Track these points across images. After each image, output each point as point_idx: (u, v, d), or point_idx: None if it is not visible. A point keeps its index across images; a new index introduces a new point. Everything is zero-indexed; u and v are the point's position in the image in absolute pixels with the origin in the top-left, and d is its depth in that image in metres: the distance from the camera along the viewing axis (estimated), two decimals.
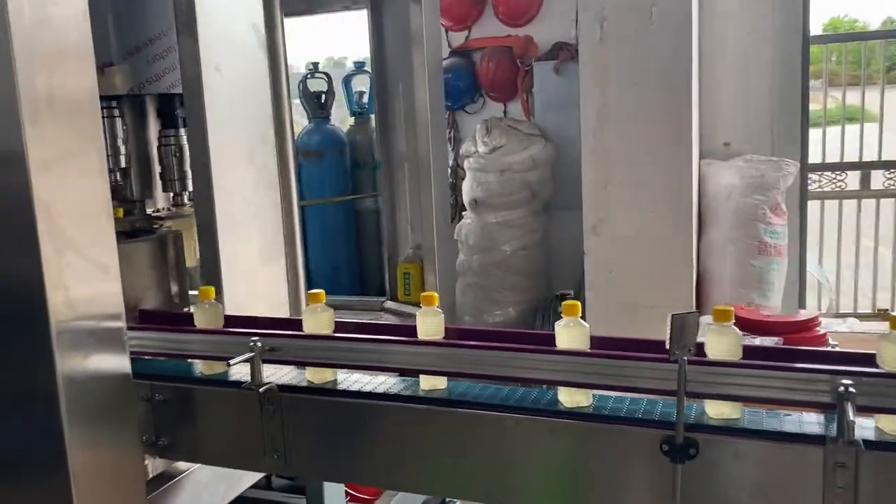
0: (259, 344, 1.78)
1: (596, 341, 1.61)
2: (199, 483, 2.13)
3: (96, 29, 2.26)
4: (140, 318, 2.16)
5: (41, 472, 1.75)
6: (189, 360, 2.02)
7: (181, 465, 2.13)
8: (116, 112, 2.37)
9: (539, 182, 4.43)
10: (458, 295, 4.58)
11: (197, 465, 2.13)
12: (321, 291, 1.87)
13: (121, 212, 2.51)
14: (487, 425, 1.66)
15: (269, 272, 2.43)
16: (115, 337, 1.80)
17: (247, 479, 2.26)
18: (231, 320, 1.97)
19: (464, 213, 4.63)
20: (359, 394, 1.79)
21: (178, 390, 1.94)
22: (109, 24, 2.30)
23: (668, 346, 1.42)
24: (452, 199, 4.92)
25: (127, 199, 2.50)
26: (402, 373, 1.87)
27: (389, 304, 3.82)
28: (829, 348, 1.57)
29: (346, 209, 4.62)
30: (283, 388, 1.83)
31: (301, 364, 1.87)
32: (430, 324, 1.76)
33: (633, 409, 1.56)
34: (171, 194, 2.37)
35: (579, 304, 1.58)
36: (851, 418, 1.24)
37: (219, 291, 2.20)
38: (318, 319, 1.85)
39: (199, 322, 1.95)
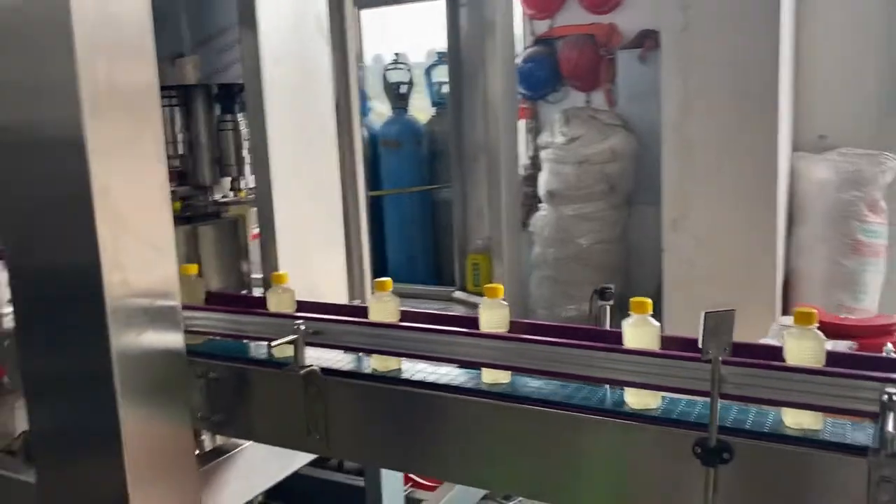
0: (302, 327, 1.82)
1: (668, 341, 1.52)
2: (252, 459, 2.20)
3: (170, 20, 2.38)
4: (206, 299, 2.25)
5: (95, 446, 1.85)
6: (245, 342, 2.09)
7: (237, 441, 2.21)
8: (184, 101, 2.48)
9: (619, 175, 4.32)
10: (532, 287, 4.54)
11: (250, 442, 2.20)
12: (388, 280, 1.85)
13: (176, 206, 2.63)
14: (547, 423, 1.58)
15: (327, 259, 2.48)
16: (169, 315, 1.89)
17: (300, 458, 2.32)
18: (303, 305, 1.99)
19: (540, 204, 4.57)
20: (405, 381, 1.76)
21: (231, 369, 2.01)
22: (182, 15, 2.40)
23: (700, 345, 1.36)
24: (531, 191, 4.88)
25: (198, 185, 2.60)
26: (463, 364, 1.79)
27: (458, 294, 3.83)
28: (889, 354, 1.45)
29: (423, 199, 4.65)
30: (328, 371, 1.86)
31: (347, 349, 1.88)
32: (493, 316, 1.70)
33: (704, 414, 1.47)
34: (230, 179, 2.45)
35: (650, 301, 1.50)
36: (891, 429, 1.15)
37: (275, 264, 2.27)
38: (384, 307, 1.83)
39: (273, 306, 1.99)
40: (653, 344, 1.50)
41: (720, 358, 1.36)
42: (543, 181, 4.46)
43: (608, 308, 1.74)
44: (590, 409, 1.54)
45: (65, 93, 1.66)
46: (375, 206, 4.81)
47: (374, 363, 1.85)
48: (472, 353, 1.68)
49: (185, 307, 2.04)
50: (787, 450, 1.35)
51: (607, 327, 1.72)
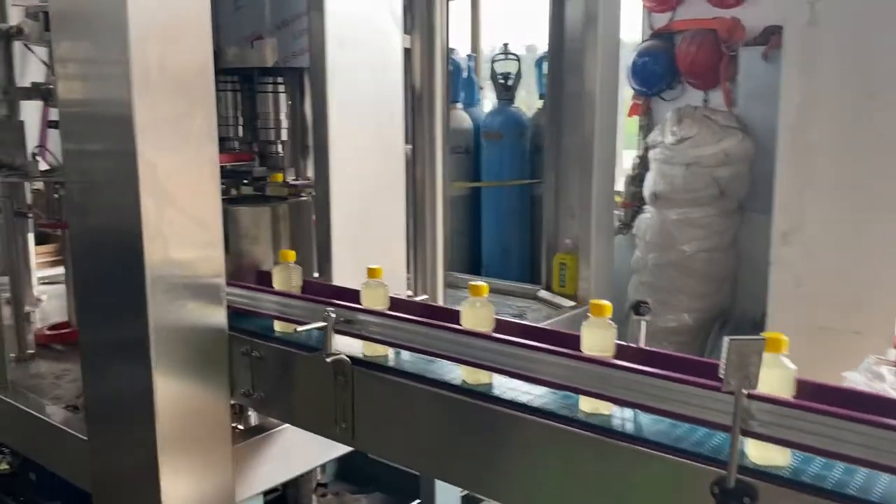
0: (332, 315, 1.79)
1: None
2: (292, 440, 2.21)
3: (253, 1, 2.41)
4: (256, 278, 2.28)
5: (131, 412, 1.91)
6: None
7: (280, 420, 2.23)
8: (262, 84, 2.51)
9: (731, 179, 4.03)
10: (629, 292, 4.34)
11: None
12: (483, 285, 1.75)
13: (239, 190, 2.66)
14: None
15: (388, 251, 2.44)
16: (211, 292, 1.92)
17: (339, 448, 2.31)
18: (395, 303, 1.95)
19: (645, 206, 4.36)
20: (444, 385, 1.68)
21: (272, 350, 2.02)
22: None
23: (722, 375, 1.21)
24: (637, 191, 4.66)
25: (275, 167, 2.64)
26: (558, 387, 1.57)
27: (543, 294, 3.70)
28: None
29: (522, 193, 4.54)
30: (357, 361, 1.83)
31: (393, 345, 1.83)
32: (596, 338, 1.52)
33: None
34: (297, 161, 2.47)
35: (608, 305, 1.39)
36: None
37: (327, 266, 2.26)
38: (476, 314, 1.74)
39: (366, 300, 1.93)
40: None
41: (744, 392, 1.21)
42: (649, 182, 4.24)
43: (643, 324, 1.59)
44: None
45: (117, 72, 1.71)
46: (474, 198, 4.76)
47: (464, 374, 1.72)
48: (564, 375, 1.49)
49: (233, 285, 2.08)
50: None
51: (642, 344, 1.58)
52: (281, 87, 2.48)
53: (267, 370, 2.05)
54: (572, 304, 3.50)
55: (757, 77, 4.12)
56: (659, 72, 4.45)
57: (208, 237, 1.88)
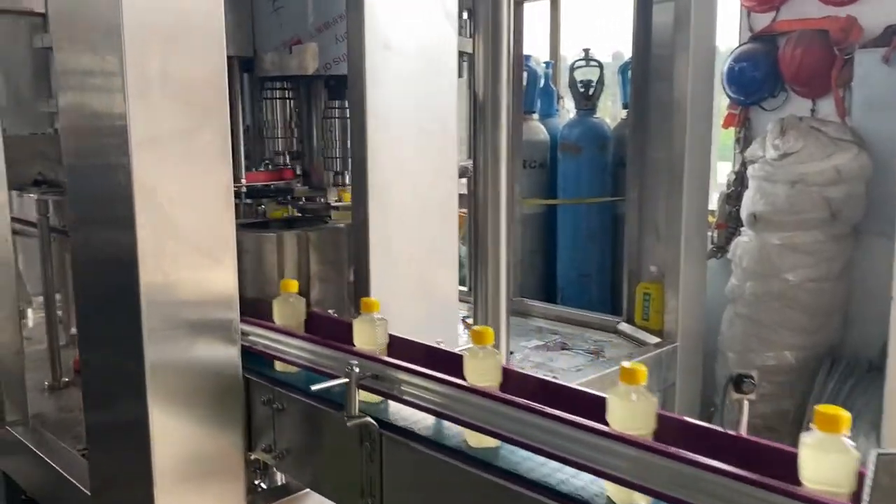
0: (356, 369, 1.49)
1: None
2: None
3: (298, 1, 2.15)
4: (310, 320, 2.00)
5: (129, 449, 1.66)
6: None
7: None
8: (302, 93, 2.26)
9: (844, 199, 3.53)
10: (723, 325, 3.88)
11: None
12: (487, 331, 1.42)
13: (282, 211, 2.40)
14: None
15: (436, 282, 2.13)
16: (221, 329, 1.65)
17: None
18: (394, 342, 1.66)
19: (742, 228, 3.89)
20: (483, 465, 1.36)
21: (294, 402, 1.73)
22: None
23: (865, 497, 0.83)
24: (733, 210, 4.19)
25: (314, 186, 2.38)
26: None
27: (624, 327, 3.31)
28: None
29: (603, 211, 4.14)
30: (386, 425, 1.52)
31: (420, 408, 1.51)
32: (632, 411, 1.17)
33: None
34: (332, 173, 2.19)
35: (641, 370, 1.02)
36: None
37: (365, 291, 1.96)
38: (478, 366, 1.41)
39: (358, 338, 1.68)
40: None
41: None
42: (748, 202, 3.77)
43: (745, 404, 1.22)
44: None
45: (111, 81, 1.47)
46: (549, 216, 4.39)
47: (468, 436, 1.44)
48: (582, 454, 1.18)
49: (255, 324, 1.81)
50: None
51: (743, 430, 1.20)
52: (329, 98, 2.23)
53: (289, 425, 1.77)
54: (657, 340, 3.10)
55: (875, 84, 3.60)
56: (759, 78, 3.98)
57: (218, 269, 1.62)
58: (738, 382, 1.21)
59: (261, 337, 1.79)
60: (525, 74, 4.27)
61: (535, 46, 5.00)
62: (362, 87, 1.85)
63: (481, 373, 1.39)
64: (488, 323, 2.61)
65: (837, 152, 3.51)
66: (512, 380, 1.45)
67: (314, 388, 1.47)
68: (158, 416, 1.57)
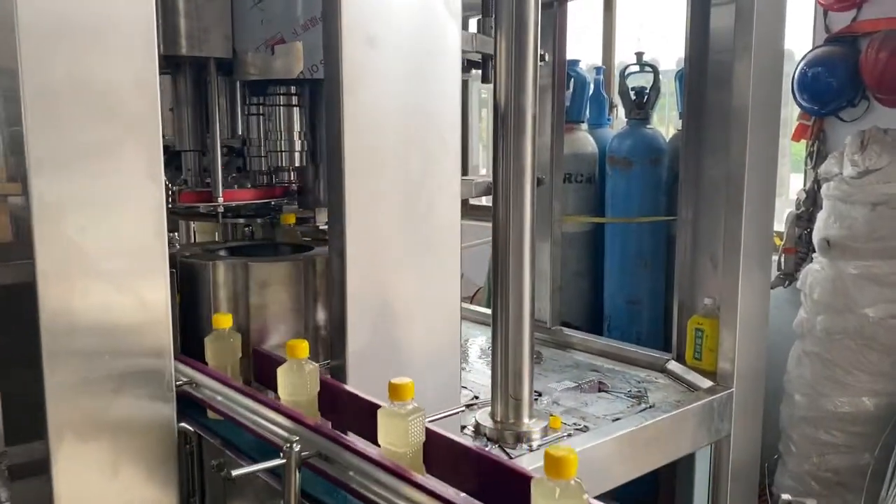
0: (296, 448, 1.18)
1: None
2: None
3: None
4: (253, 358, 1.71)
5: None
6: None
7: None
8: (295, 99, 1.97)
9: None
10: (790, 364, 3.43)
11: None
12: (405, 384, 1.19)
13: (292, 218, 2.13)
14: None
15: (435, 321, 1.81)
16: (149, 378, 1.37)
17: None
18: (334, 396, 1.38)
19: (813, 254, 3.44)
20: None
21: (244, 474, 1.44)
22: None
23: None
24: (803, 233, 3.73)
25: (306, 205, 2.10)
26: None
27: (673, 367, 2.91)
28: None
29: (656, 232, 3.74)
30: None
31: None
32: None
33: None
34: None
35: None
36: None
37: (340, 348, 1.65)
38: (389, 426, 1.18)
39: (283, 390, 1.42)
40: None
41: None
42: (821, 225, 3.33)
43: None
44: None
45: (8, 85, 1.21)
46: (596, 236, 4.01)
47: None
48: None
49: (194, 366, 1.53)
50: None
51: None
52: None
53: (244, 497, 1.48)
54: (709, 384, 2.70)
55: None
56: (835, 85, 3.52)
57: (145, 308, 1.33)
58: None
59: (206, 388, 1.51)
60: (571, 81, 3.92)
61: (585, 51, 4.64)
62: (338, 93, 1.55)
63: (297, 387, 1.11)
64: (509, 357, 2.29)
65: None
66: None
67: (235, 473, 1.17)
68: (68, 491, 1.29)
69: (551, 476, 0.92)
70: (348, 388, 1.44)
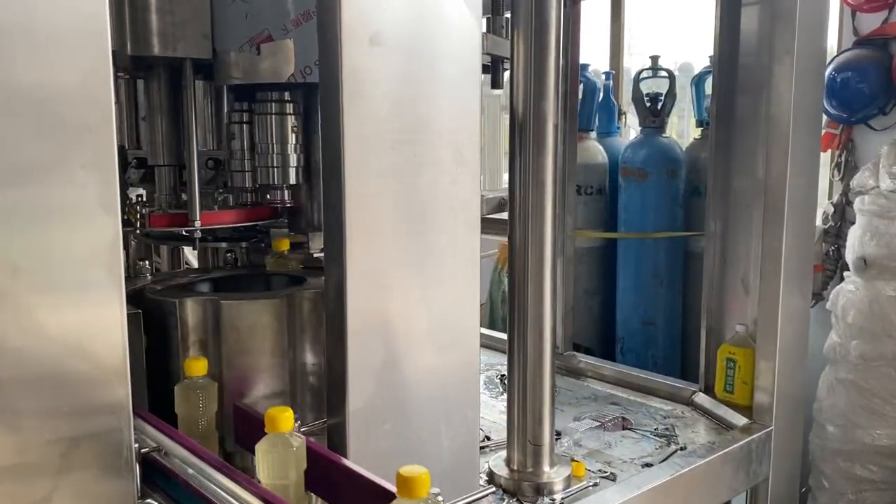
0: None
1: None
2: None
3: None
4: (235, 417, 1.44)
5: None
6: None
7: None
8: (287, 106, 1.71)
9: None
10: (822, 392, 3.18)
11: None
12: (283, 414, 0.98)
13: (286, 244, 1.86)
14: None
15: (446, 368, 1.54)
16: (104, 447, 1.10)
17: None
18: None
19: (846, 273, 3.19)
20: None
21: None
22: None
23: None
24: (832, 250, 3.50)
25: (298, 228, 1.83)
26: None
27: (701, 400, 2.65)
28: None
29: (674, 248, 3.49)
30: None
31: None
32: None
33: None
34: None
35: None
36: None
37: (341, 401, 1.38)
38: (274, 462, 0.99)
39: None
40: None
41: None
42: (855, 242, 3.08)
43: None
44: None
45: None
46: (608, 252, 3.75)
47: None
48: None
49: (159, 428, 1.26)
50: None
51: None
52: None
53: None
54: (744, 420, 2.44)
55: None
56: (867, 91, 3.30)
57: (98, 366, 1.07)
58: None
59: (177, 457, 1.24)
60: (581, 87, 3.67)
61: (593, 56, 4.41)
62: (338, 100, 1.29)
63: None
64: (527, 397, 2.04)
65: None
66: None
67: None
68: None
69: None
70: (349, 464, 1.17)
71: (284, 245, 1.84)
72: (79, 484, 1.10)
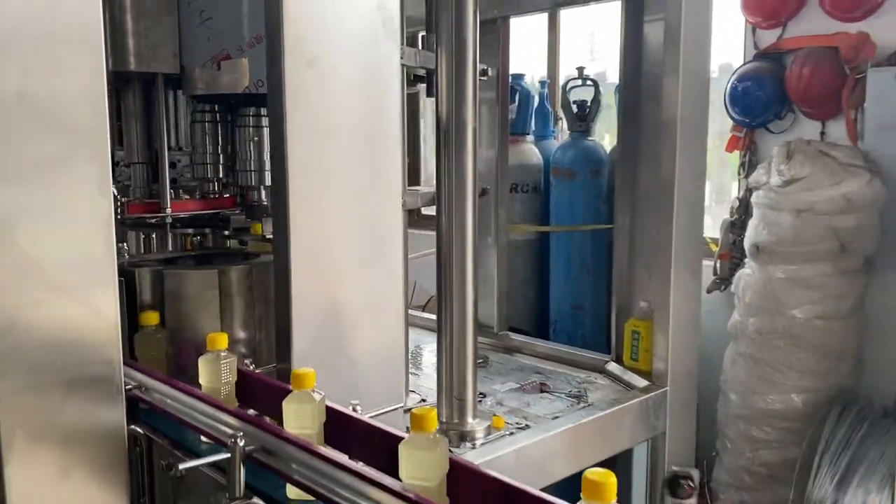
0: (241, 443, 1.26)
1: None
2: None
3: (229, 12, 1.94)
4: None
5: None
6: None
7: None
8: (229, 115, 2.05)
9: (854, 230, 3.25)
10: (726, 364, 3.60)
11: None
12: (306, 373, 1.28)
13: (259, 228, 2.19)
14: None
15: (378, 329, 1.90)
16: (98, 382, 1.43)
17: None
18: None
19: (745, 260, 3.61)
20: None
21: (194, 470, 1.50)
22: (244, 6, 1.96)
23: None
24: (738, 240, 3.92)
25: (256, 217, 2.17)
26: None
27: (612, 367, 3.04)
28: None
29: (598, 240, 3.88)
30: None
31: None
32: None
33: None
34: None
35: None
36: None
37: (286, 353, 1.73)
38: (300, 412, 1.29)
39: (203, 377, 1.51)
40: None
41: None
42: (751, 231, 3.50)
43: None
44: None
45: None
46: (542, 244, 4.14)
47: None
48: None
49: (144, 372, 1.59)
50: None
51: None
52: (259, 119, 2.01)
53: (191, 495, 1.55)
54: (645, 383, 2.83)
55: (889, 105, 3.33)
56: (764, 99, 3.72)
57: (95, 318, 1.39)
58: (674, 486, 0.96)
59: (155, 391, 1.57)
60: (517, 94, 4.05)
61: (532, 65, 4.79)
62: (282, 110, 1.64)
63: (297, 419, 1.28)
64: (454, 360, 2.38)
65: (847, 179, 3.23)
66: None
67: (182, 466, 1.24)
68: (20, 493, 1.34)
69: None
70: (361, 417, 1.46)
71: (258, 229, 2.16)
72: (82, 409, 1.42)
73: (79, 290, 1.37)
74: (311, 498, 1.21)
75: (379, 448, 1.28)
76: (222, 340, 1.48)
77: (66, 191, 1.34)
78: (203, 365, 1.51)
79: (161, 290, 1.82)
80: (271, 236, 2.06)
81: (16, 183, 1.29)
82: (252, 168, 2.07)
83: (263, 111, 2.05)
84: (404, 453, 1.16)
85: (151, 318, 1.69)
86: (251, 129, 2.07)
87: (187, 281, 1.82)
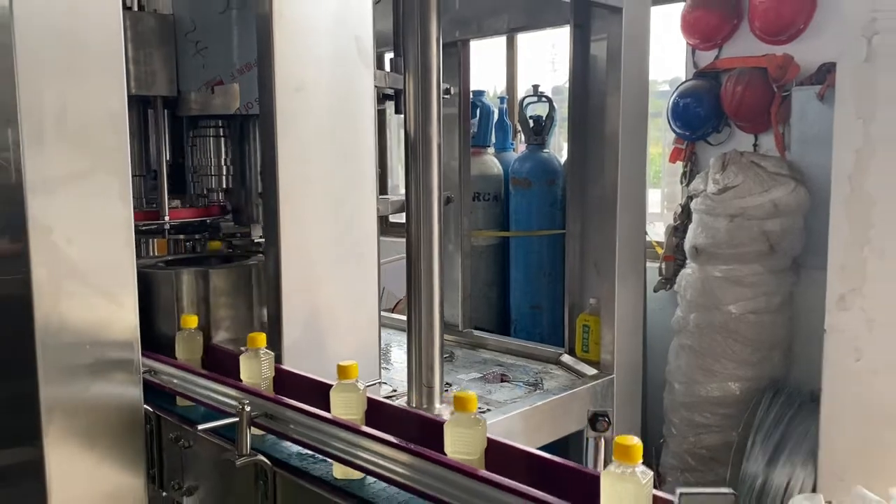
0: (247, 408, 1.51)
1: None
2: None
3: (222, 43, 2.20)
4: (206, 355, 2.02)
5: (24, 494, 1.67)
6: None
7: None
8: (231, 132, 2.30)
9: (782, 233, 3.60)
10: (670, 356, 3.92)
11: None
12: (350, 363, 1.51)
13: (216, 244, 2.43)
14: None
15: (356, 324, 2.16)
16: (121, 367, 1.67)
17: None
18: (283, 376, 1.70)
19: (687, 260, 3.95)
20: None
21: (200, 439, 1.75)
22: (234, 39, 2.22)
23: None
24: (680, 243, 4.25)
25: (247, 222, 2.42)
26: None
27: (565, 359, 3.34)
28: None
29: (553, 244, 4.19)
30: (280, 463, 1.54)
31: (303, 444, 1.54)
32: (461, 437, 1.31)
33: None
34: (258, 210, 2.23)
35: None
36: None
37: (277, 344, 1.99)
38: (343, 400, 1.50)
39: (245, 373, 1.75)
40: None
41: None
42: (691, 234, 3.83)
43: (602, 441, 1.25)
44: None
45: (4, 120, 1.51)
46: (503, 249, 4.44)
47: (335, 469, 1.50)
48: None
49: (159, 360, 1.83)
50: None
51: (599, 465, 1.23)
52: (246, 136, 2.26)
53: (198, 463, 1.79)
54: (594, 371, 3.13)
55: (811, 120, 3.70)
56: (702, 114, 4.06)
57: (118, 307, 1.63)
58: (594, 421, 1.24)
59: (164, 374, 1.81)
60: (478, 110, 4.35)
61: (492, 83, 5.09)
62: (273, 130, 1.90)
63: (345, 406, 1.43)
64: (422, 351, 2.63)
65: (775, 186, 3.59)
66: None
67: (200, 427, 1.49)
68: (56, 458, 1.57)
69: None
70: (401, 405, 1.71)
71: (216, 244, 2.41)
72: (107, 387, 1.66)
73: (105, 284, 1.61)
74: (359, 476, 1.40)
75: (409, 428, 1.51)
76: (261, 339, 1.70)
77: (92, 200, 1.58)
78: (244, 362, 1.72)
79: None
80: (260, 240, 2.32)
81: (53, 193, 1.52)
82: (246, 179, 2.32)
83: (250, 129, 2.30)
84: (449, 430, 1.30)
85: (191, 321, 1.88)
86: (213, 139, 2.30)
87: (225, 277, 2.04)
